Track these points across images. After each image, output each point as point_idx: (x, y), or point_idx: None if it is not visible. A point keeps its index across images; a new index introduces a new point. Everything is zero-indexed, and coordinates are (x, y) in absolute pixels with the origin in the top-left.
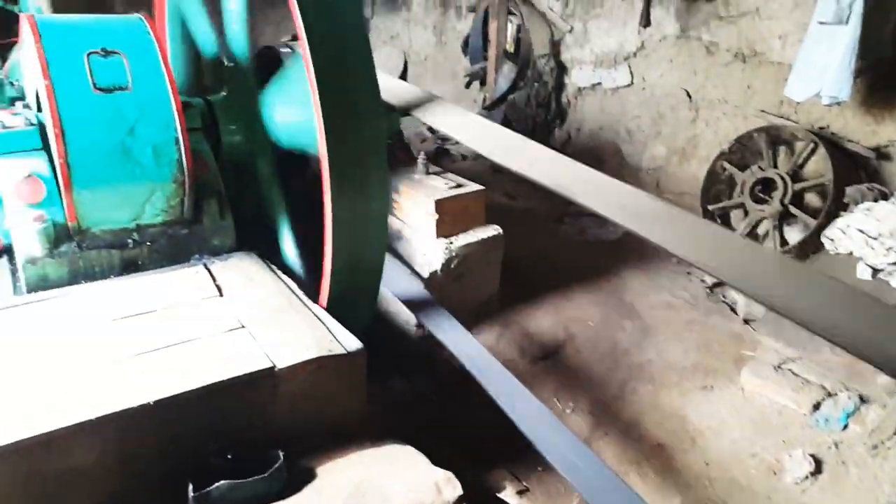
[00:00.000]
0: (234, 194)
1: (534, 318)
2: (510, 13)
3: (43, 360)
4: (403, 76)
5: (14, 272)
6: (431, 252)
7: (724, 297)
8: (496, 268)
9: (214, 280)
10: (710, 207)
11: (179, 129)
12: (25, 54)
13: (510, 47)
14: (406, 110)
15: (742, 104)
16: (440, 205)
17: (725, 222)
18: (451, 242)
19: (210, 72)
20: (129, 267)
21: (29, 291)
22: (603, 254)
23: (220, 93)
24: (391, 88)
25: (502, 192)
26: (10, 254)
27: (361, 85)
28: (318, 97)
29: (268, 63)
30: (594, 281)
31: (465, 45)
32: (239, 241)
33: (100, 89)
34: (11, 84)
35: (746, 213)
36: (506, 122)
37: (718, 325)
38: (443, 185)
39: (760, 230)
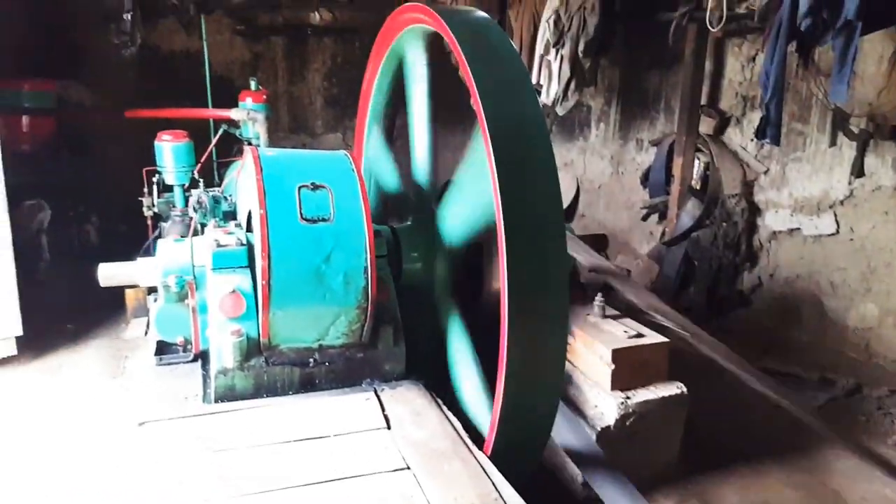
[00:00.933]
0: (408, 321)
1: (717, 493)
2: (698, 150)
3: (222, 476)
4: (574, 203)
5: (206, 378)
6: (605, 405)
7: None
8: (677, 430)
9: (383, 409)
10: None
11: (369, 258)
12: (245, 180)
13: (696, 184)
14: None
15: None
16: (618, 354)
17: None
18: (628, 397)
19: (395, 202)
20: (307, 384)
21: (217, 399)
22: (802, 422)
23: (406, 222)
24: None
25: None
26: (205, 359)
27: (548, 225)
28: (504, 242)
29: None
30: (791, 456)
31: (645, 178)
32: (409, 368)
33: (305, 220)
34: (226, 199)
35: None
36: (686, 261)
37: None
38: (621, 333)
39: None
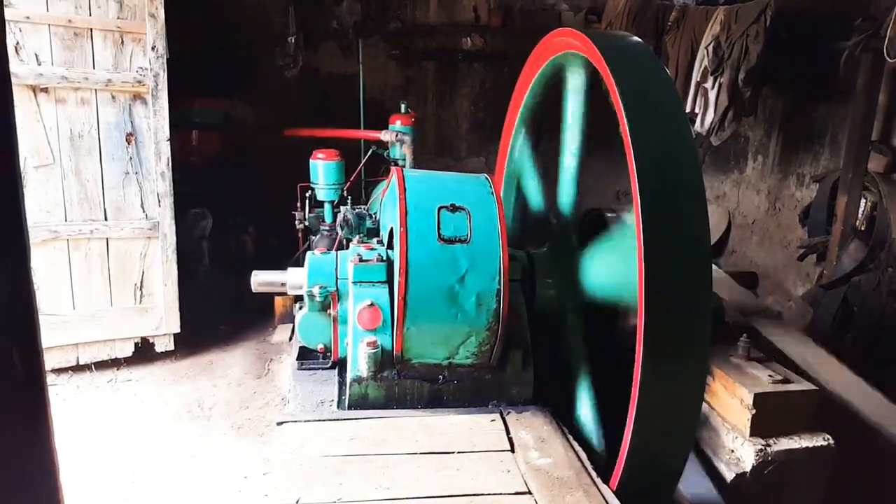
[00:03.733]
0: (538, 347)
1: None
2: (865, 188)
3: (350, 480)
4: (725, 238)
5: (341, 385)
6: (742, 451)
7: None
8: (820, 485)
9: (508, 432)
10: None
11: (503, 282)
12: (389, 199)
13: (860, 225)
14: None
15: None
16: (760, 399)
17: None
18: (768, 445)
19: (533, 226)
20: (435, 400)
21: (350, 406)
22: None
23: (542, 248)
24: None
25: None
26: (342, 367)
27: (692, 266)
28: (644, 282)
29: (591, 222)
30: None
31: (805, 216)
32: (535, 394)
33: (443, 240)
34: (370, 216)
35: None
36: (845, 306)
37: None
38: (765, 377)
39: None
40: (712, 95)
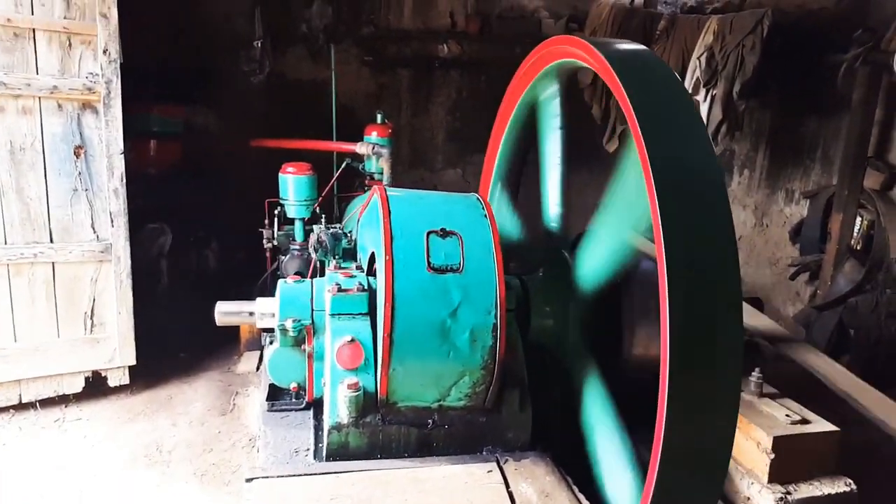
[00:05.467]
0: (534, 384)
1: None
2: (861, 206)
3: None
4: None
5: (318, 431)
6: (759, 499)
7: None
8: None
9: (507, 486)
10: None
11: (500, 315)
12: (369, 219)
13: (856, 244)
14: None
15: None
16: (780, 443)
17: None
18: (789, 493)
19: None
20: (423, 447)
21: (328, 456)
22: None
23: (535, 272)
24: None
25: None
26: (318, 408)
27: (721, 292)
28: (668, 312)
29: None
30: None
31: (796, 233)
32: (533, 437)
33: (433, 269)
34: (346, 235)
35: None
36: (840, 328)
37: None
38: (782, 416)
39: None
40: (704, 108)
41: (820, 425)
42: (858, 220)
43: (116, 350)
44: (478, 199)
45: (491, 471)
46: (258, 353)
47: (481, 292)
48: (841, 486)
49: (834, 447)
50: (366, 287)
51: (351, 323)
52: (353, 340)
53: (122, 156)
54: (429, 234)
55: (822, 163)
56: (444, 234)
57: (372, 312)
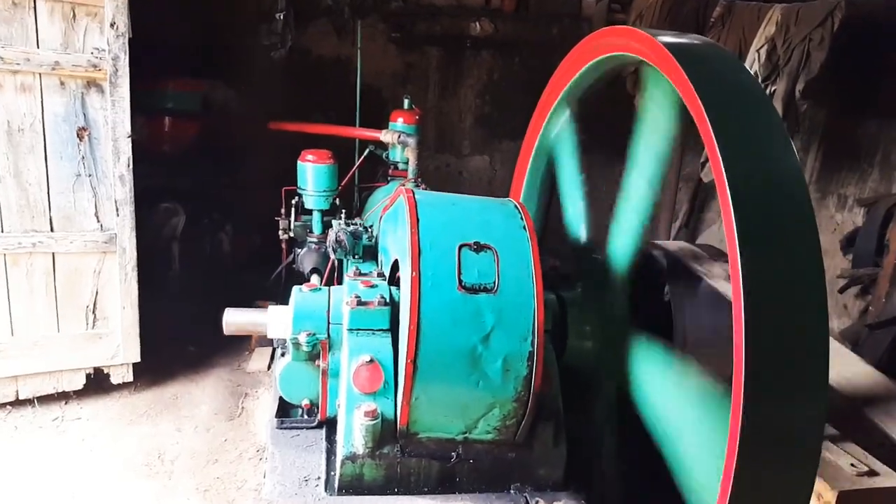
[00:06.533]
0: (569, 414)
1: None
2: None
3: None
4: None
5: (330, 456)
6: None
7: None
8: None
9: None
10: None
11: (537, 343)
12: (393, 222)
13: None
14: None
15: None
16: (846, 499)
17: None
18: None
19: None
20: (445, 482)
21: (340, 489)
22: None
23: (574, 286)
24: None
25: None
26: (331, 427)
27: (806, 338)
28: (743, 365)
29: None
30: None
31: (849, 243)
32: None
33: (465, 288)
34: (366, 230)
35: None
36: (893, 348)
37: None
38: (847, 466)
39: None
40: None
41: (889, 479)
42: None
43: (120, 346)
44: (516, 206)
45: None
46: (269, 348)
47: (517, 316)
48: None
49: None
50: (388, 300)
51: (371, 340)
52: (371, 361)
53: (130, 139)
54: (461, 247)
55: (881, 168)
56: (478, 248)
57: (394, 328)
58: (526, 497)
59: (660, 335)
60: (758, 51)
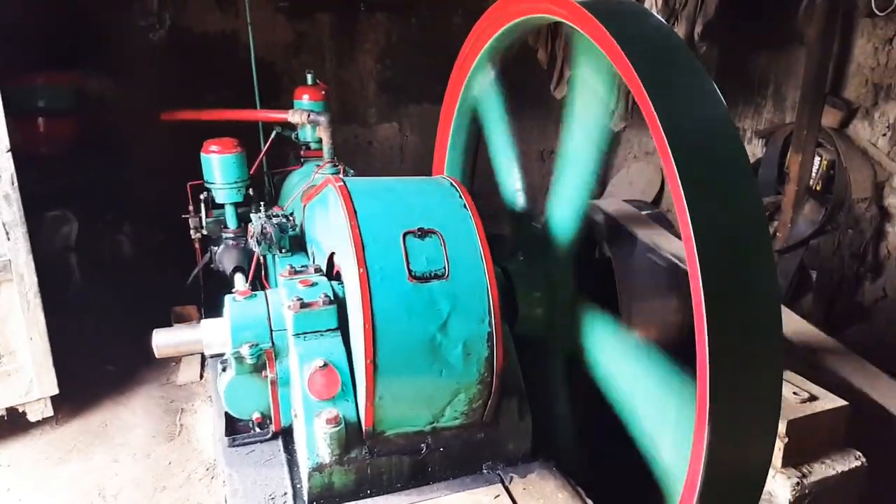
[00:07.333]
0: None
1: None
2: (818, 145)
3: None
4: (659, 196)
5: (293, 467)
6: (774, 485)
7: None
8: None
9: None
10: None
11: (494, 322)
12: (322, 212)
13: (815, 185)
14: None
15: None
16: (794, 427)
17: None
18: (804, 476)
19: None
20: (417, 475)
21: (311, 500)
22: None
23: (517, 257)
24: None
25: None
26: (288, 436)
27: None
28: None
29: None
30: None
31: None
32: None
33: (415, 278)
34: (287, 218)
35: None
36: (801, 270)
37: None
38: (790, 395)
39: None
40: None
41: (829, 401)
42: (817, 159)
43: (33, 381)
44: (451, 184)
45: (499, 495)
46: (199, 356)
47: (472, 299)
48: (852, 461)
49: (843, 422)
50: (332, 298)
51: (320, 342)
52: (325, 365)
53: (10, 153)
54: (405, 235)
55: (774, 100)
56: (423, 234)
57: (342, 326)
58: (500, 475)
59: (602, 297)
60: None
